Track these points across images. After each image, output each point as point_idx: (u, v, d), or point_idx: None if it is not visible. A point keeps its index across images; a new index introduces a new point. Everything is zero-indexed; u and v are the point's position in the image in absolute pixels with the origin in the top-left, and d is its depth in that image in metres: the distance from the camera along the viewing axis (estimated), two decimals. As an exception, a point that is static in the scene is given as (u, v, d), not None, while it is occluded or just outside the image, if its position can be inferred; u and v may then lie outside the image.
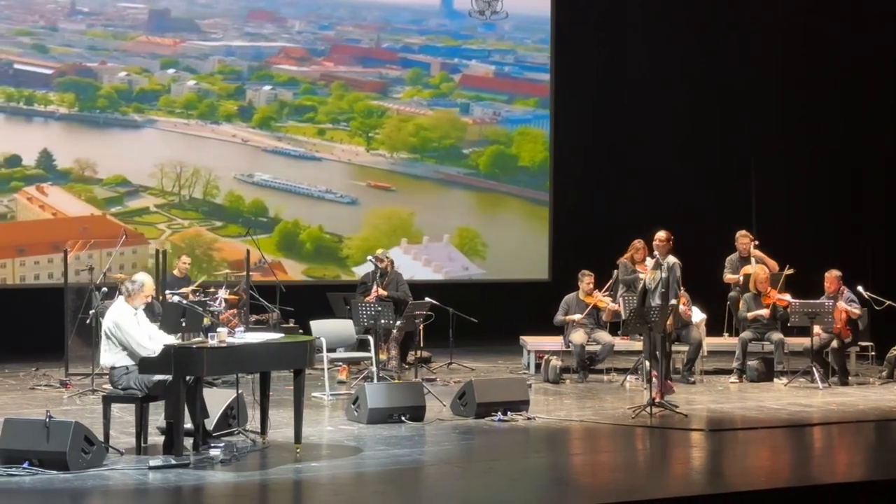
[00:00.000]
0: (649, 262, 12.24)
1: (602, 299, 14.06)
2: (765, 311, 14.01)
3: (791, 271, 14.56)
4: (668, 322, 11.76)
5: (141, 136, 17.07)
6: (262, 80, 17.80)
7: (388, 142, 18.22)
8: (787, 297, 14.04)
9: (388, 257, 14.46)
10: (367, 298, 13.71)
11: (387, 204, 18.07)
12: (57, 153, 16.47)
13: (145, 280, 9.64)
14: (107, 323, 9.43)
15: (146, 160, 16.91)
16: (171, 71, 17.40)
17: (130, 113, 17.01)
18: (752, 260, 14.55)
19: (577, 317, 13.98)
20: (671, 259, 12.05)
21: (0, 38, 16.50)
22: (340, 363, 13.57)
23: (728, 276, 14.82)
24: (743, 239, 14.73)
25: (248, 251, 14.61)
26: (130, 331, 9.30)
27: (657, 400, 11.40)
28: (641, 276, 12.70)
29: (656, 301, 11.97)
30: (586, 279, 14.18)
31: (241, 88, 17.64)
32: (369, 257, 14.46)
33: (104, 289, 13.23)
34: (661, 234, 12.14)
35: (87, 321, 12.99)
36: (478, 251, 18.33)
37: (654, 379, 11.68)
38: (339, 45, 18.32)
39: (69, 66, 16.82)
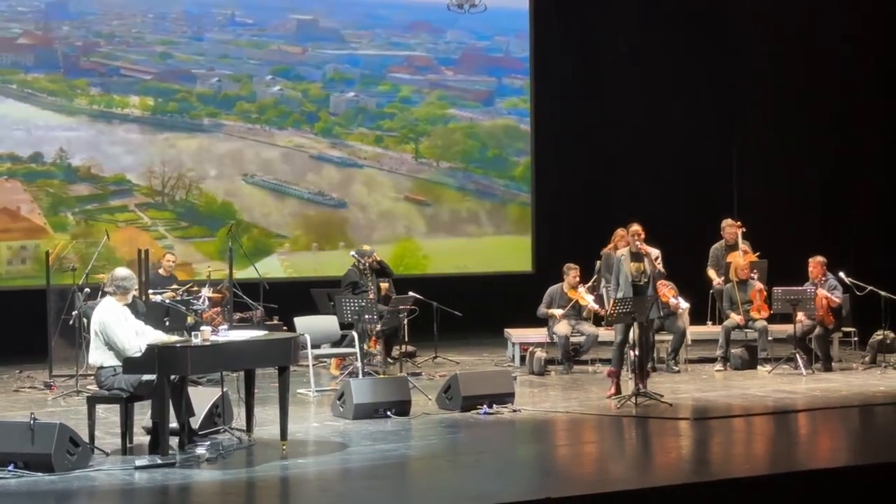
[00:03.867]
0: (623, 251, 12.22)
1: (584, 296, 14.05)
2: (739, 318, 14.05)
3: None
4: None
5: (190, 139, 17.28)
6: (364, 87, 18.14)
7: (433, 150, 18.53)
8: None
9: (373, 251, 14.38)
10: (371, 297, 13.63)
11: (377, 209, 18.18)
12: (84, 152, 16.72)
13: (133, 274, 9.66)
14: (95, 322, 9.40)
15: (164, 161, 17.10)
16: (268, 77, 17.72)
17: (201, 117, 17.28)
18: (739, 247, 14.57)
19: (557, 312, 13.99)
20: (654, 250, 12.04)
21: (139, 46, 17.11)
22: (331, 357, 13.63)
23: (710, 273, 14.81)
24: (730, 227, 14.74)
25: (230, 248, 14.59)
26: (118, 329, 9.26)
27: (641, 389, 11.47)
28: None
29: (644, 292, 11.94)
30: (572, 272, 14.17)
31: (328, 96, 17.95)
32: (352, 253, 14.38)
33: (87, 289, 13.18)
34: (635, 227, 12.14)
35: (71, 322, 12.94)
36: (418, 263, 18.28)
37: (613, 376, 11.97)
38: (470, 55, 18.68)
39: (171, 72, 17.21)
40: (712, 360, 14.23)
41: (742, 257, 14.35)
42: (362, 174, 18.11)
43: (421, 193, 18.45)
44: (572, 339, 13.93)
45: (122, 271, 9.71)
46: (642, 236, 12.02)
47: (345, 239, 17.72)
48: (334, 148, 17.96)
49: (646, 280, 11.92)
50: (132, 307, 9.90)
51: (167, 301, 12.31)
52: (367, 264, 13.95)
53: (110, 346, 9.29)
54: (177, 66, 17.33)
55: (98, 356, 9.39)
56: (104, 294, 9.76)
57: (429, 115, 18.55)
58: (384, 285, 14.27)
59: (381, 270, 14.11)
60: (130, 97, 16.96)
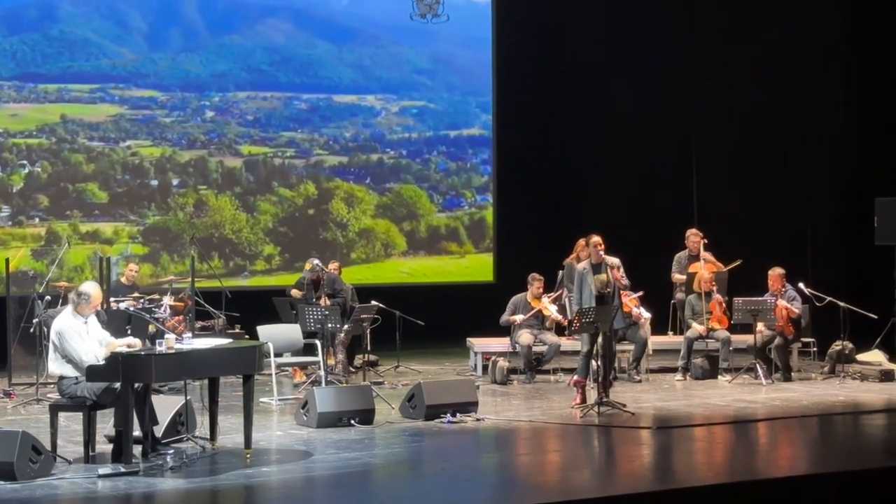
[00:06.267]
0: (584, 264, 12.29)
1: (547, 307, 14.09)
2: (701, 328, 14.15)
3: (738, 262, 14.81)
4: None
5: (153, 147, 17.29)
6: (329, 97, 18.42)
7: (400, 161, 18.80)
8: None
9: (315, 266, 14.40)
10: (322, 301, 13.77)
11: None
12: (45, 160, 16.78)
13: (91, 291, 9.50)
14: (53, 332, 9.36)
15: (127, 170, 17.15)
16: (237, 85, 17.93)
17: (166, 125, 17.36)
18: (702, 258, 14.68)
19: (518, 318, 14.02)
20: (613, 259, 12.13)
21: (102, 53, 17.14)
22: (291, 367, 13.62)
23: (675, 276, 14.95)
24: (694, 237, 14.86)
25: (192, 257, 14.55)
26: (73, 343, 9.20)
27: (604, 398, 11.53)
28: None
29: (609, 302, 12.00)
30: (536, 283, 14.20)
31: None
32: (316, 262, 14.39)
33: (47, 297, 13.09)
34: (597, 238, 12.23)
35: (31, 330, 12.84)
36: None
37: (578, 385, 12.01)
38: (433, 66, 19.08)
39: (135, 78, 17.30)
40: (673, 370, 14.32)
41: (705, 269, 14.45)
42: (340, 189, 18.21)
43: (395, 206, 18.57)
44: (534, 349, 13.97)
45: (86, 286, 9.58)
46: (602, 247, 12.10)
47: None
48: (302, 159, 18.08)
49: (610, 290, 11.99)
50: (96, 315, 9.85)
51: (130, 309, 12.24)
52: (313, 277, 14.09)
53: (68, 358, 9.25)
54: (141, 72, 17.31)
55: (57, 367, 9.35)
56: (65, 300, 9.71)
57: (389, 124, 18.60)
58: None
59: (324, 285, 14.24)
60: (92, 105, 16.90)
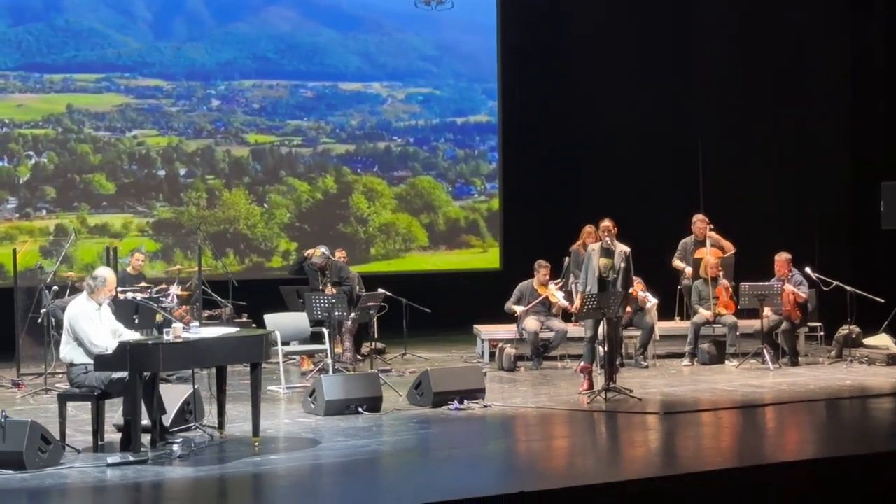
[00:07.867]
0: (595, 247, 12.28)
1: (554, 293, 14.10)
2: (708, 314, 14.14)
3: (733, 251, 14.80)
4: (628, 310, 11.96)
5: (160, 136, 17.36)
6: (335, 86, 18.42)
7: (408, 150, 18.81)
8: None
9: (323, 254, 14.41)
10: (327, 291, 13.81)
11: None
12: (52, 150, 16.85)
13: (107, 275, 9.57)
14: (66, 316, 9.41)
15: (134, 160, 17.20)
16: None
17: (173, 115, 17.39)
18: (708, 244, 14.66)
19: (518, 309, 14.03)
20: (623, 247, 12.11)
21: (107, 43, 17.18)
22: (299, 355, 13.65)
23: (676, 263, 14.90)
24: (700, 223, 14.82)
25: (199, 248, 14.57)
26: (84, 325, 9.26)
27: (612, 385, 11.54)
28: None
29: (611, 288, 12.00)
30: (542, 270, 14.21)
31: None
32: (324, 249, 14.42)
33: (55, 287, 13.13)
34: (606, 223, 12.20)
35: (39, 320, 12.88)
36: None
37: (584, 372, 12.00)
38: (438, 53, 19.14)
39: (143, 67, 17.37)
40: (680, 356, 14.33)
41: (711, 254, 14.45)
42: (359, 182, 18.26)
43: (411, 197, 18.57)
44: (541, 336, 13.98)
45: (100, 271, 9.66)
46: (613, 232, 12.08)
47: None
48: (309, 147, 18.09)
49: (614, 276, 11.97)
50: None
51: (137, 298, 12.27)
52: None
53: (79, 341, 9.29)
54: (147, 61, 17.32)
55: (68, 351, 9.38)
56: (73, 290, 9.73)
57: (395, 112, 18.62)
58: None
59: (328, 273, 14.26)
60: (98, 94, 16.91)
